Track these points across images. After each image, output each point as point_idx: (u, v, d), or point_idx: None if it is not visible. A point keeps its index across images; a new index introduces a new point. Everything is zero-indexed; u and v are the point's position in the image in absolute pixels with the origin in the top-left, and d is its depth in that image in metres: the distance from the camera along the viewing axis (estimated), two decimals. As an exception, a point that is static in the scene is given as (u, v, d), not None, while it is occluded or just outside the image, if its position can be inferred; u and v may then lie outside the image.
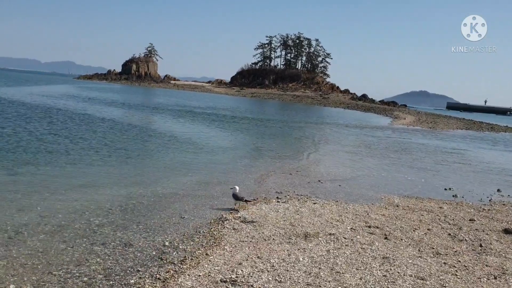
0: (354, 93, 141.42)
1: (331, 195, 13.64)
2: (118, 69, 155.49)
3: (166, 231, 9.09)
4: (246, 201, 11.09)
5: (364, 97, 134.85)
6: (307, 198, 12.84)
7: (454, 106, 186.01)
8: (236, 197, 11.04)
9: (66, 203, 10.44)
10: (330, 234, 9.38)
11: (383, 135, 39.80)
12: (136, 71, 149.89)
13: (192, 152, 20.04)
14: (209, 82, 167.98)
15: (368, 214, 11.57)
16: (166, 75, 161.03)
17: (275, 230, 9.37)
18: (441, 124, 62.97)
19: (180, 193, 12.33)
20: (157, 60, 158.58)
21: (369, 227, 10.32)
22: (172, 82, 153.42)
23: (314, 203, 12.17)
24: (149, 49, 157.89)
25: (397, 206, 12.89)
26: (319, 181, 15.72)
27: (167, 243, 8.33)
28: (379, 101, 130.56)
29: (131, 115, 38.34)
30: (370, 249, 8.62)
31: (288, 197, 12.74)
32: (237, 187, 11.34)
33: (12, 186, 11.63)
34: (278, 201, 12.05)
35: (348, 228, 10.04)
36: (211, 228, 9.32)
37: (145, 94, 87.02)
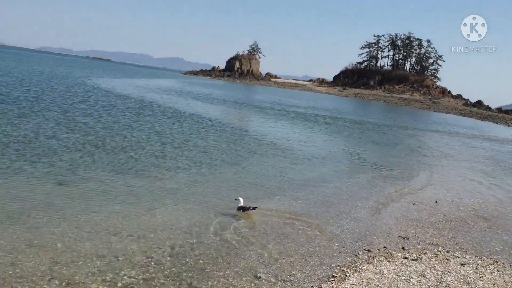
0: (468, 99, 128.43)
1: (482, 246, 9.20)
2: (223, 66, 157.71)
3: (228, 310, 5.58)
4: (253, 208, 9.57)
5: (479, 103, 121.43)
6: (448, 251, 8.57)
7: None
8: (243, 208, 9.59)
9: (99, 237, 7.40)
10: None
11: (515, 150, 33.00)
12: (239, 68, 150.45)
13: (286, 161, 16.44)
14: (310, 81, 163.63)
15: (559, 295, 7.07)
16: (267, 73, 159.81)
17: (414, 332, 5.40)
18: None
19: (262, 229, 8.79)
20: (259, 57, 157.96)
21: None
22: (273, 80, 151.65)
23: (463, 264, 7.90)
24: (252, 46, 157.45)
25: None
26: (457, 218, 11.25)
27: None
28: (496, 109, 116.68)
29: (223, 111, 35.82)
30: None
31: (418, 247, 8.59)
32: (241, 199, 9.84)
33: (48, 202, 8.87)
34: (405, 257, 7.93)
35: (541, 333, 5.74)
36: (302, 314, 5.62)
37: (244, 91, 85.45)
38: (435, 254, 8.29)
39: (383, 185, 14.54)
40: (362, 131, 33.21)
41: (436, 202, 12.83)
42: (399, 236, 9.21)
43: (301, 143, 22.10)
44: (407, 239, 9.09)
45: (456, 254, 8.42)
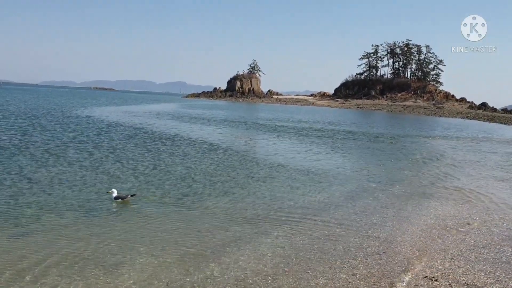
0: (472, 102, 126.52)
1: (530, 283, 7.35)
2: (224, 86, 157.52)
3: None
4: (132, 195, 10.40)
5: (484, 105, 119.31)
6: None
7: None
8: (120, 197, 10.32)
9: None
10: None
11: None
12: (240, 88, 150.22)
13: (285, 183, 14.68)
14: (311, 95, 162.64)
15: None
16: (268, 90, 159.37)
17: None
18: None
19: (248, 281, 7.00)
20: (260, 76, 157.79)
21: None
22: (275, 96, 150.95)
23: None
24: (252, 65, 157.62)
25: None
26: (490, 243, 9.37)
27: None
28: (501, 109, 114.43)
29: (222, 133, 34.22)
30: None
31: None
32: (114, 190, 10.59)
33: None
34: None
35: None
36: None
37: (245, 109, 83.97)
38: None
39: (398, 206, 12.67)
40: (368, 143, 31.38)
41: (468, 224, 10.96)
42: (424, 277, 7.37)
43: (299, 161, 20.33)
44: (435, 280, 7.25)
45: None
